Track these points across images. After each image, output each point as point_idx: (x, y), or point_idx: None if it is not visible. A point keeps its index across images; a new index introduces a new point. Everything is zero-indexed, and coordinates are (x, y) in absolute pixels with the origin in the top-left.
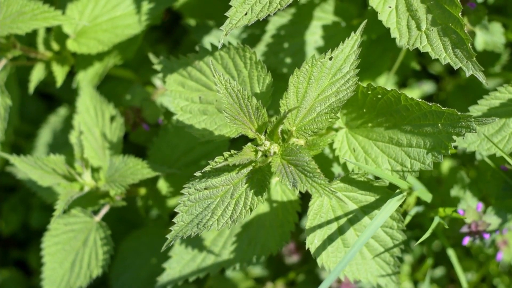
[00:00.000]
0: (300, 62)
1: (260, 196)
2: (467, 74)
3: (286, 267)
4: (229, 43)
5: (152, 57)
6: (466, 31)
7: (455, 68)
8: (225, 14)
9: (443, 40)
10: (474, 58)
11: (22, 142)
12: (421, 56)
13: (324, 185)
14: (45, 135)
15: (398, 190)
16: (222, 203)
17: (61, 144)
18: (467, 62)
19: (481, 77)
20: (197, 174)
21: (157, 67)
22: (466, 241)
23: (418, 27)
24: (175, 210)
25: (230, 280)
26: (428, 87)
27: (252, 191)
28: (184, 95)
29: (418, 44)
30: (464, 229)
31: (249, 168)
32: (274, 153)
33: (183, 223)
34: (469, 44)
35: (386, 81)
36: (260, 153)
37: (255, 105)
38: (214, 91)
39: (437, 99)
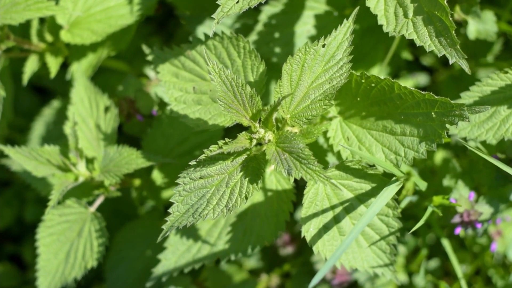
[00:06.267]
0: (293, 52)
1: (255, 184)
2: (450, 61)
3: (280, 258)
4: (223, 32)
5: (145, 48)
6: (451, 19)
7: (439, 55)
8: (216, 2)
9: (428, 28)
10: (458, 45)
11: (16, 136)
12: (414, 48)
13: (318, 171)
14: (39, 128)
15: (394, 178)
16: (217, 192)
17: (55, 136)
18: (450, 49)
19: (463, 64)
20: (192, 163)
21: (150, 57)
22: (458, 230)
23: (405, 15)
24: (171, 200)
25: (224, 272)
26: (421, 79)
27: (247, 179)
28: (178, 86)
29: (404, 31)
30: (456, 218)
31: (244, 156)
32: (269, 140)
33: (179, 213)
34: (453, 32)
35: (379, 72)
36: (254, 141)
37: (249, 93)
38: (208, 81)
39: (430, 91)
